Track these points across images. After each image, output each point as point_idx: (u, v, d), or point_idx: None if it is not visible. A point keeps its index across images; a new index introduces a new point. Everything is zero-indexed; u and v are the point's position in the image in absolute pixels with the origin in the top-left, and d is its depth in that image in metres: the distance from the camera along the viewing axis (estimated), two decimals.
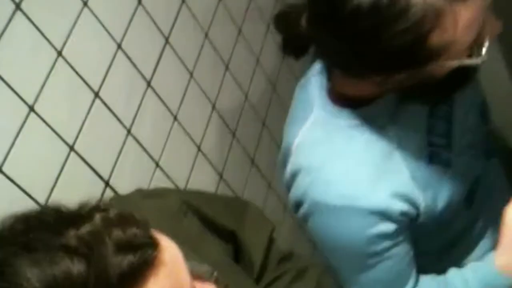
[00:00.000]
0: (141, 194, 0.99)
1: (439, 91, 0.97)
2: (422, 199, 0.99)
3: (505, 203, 1.03)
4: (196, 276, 0.71)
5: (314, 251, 1.80)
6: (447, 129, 1.05)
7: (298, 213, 1.06)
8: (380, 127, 0.99)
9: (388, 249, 1.00)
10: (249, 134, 1.58)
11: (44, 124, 0.98)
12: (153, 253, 0.61)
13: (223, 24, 1.50)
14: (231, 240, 1.00)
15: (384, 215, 0.97)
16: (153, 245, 0.62)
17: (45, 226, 0.61)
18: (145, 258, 0.60)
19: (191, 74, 1.36)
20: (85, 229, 0.60)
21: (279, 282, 1.03)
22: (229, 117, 1.49)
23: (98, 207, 0.64)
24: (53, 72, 1.00)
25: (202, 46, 1.41)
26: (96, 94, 1.08)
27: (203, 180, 1.37)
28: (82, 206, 0.64)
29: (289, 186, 1.07)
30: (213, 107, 1.43)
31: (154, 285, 0.61)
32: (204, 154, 1.38)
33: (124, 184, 1.12)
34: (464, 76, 0.96)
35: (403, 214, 0.98)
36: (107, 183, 1.09)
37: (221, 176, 1.43)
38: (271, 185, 1.64)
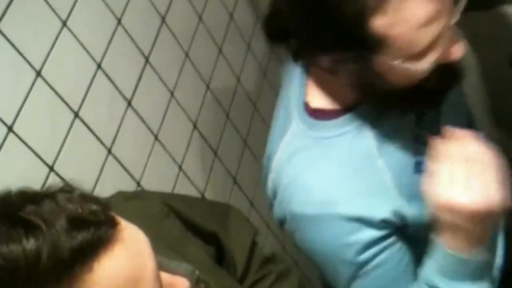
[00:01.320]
0: (123, 196, 0.99)
1: (418, 100, 0.96)
2: (408, 208, 0.98)
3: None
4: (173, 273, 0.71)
5: (297, 269, 1.79)
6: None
7: (283, 229, 1.05)
8: (361, 136, 0.99)
9: (376, 255, 0.99)
10: (231, 153, 1.57)
11: (23, 145, 0.97)
12: (108, 231, 0.61)
13: (204, 43, 1.50)
14: (213, 242, 1.00)
15: (364, 222, 0.96)
16: (110, 223, 0.62)
17: (8, 203, 0.62)
18: (99, 235, 0.60)
19: (172, 93, 1.36)
20: (44, 204, 0.60)
21: (261, 284, 1.03)
22: (211, 136, 1.49)
23: (62, 189, 0.64)
24: (32, 92, 0.99)
25: (183, 65, 1.41)
26: (76, 114, 1.08)
27: None
28: (48, 188, 0.65)
29: (271, 204, 1.07)
30: (195, 126, 1.43)
31: (108, 263, 0.61)
32: (185, 174, 1.38)
33: None
34: (441, 86, 0.96)
35: (385, 221, 0.97)
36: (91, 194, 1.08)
37: (203, 195, 1.43)
38: (254, 203, 1.64)
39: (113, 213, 0.64)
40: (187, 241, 0.95)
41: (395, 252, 1.01)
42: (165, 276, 0.69)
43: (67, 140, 1.05)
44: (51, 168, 1.01)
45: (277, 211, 1.04)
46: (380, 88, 0.93)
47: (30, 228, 0.58)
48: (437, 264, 0.96)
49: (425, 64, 0.88)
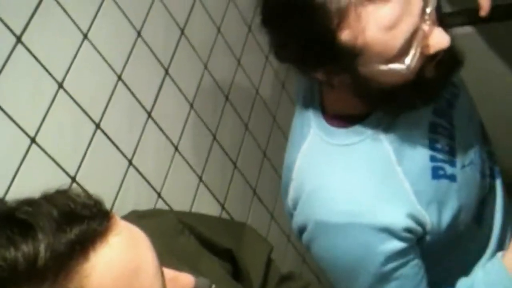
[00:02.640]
0: (137, 215, 1.00)
1: (421, 92, 0.96)
2: (426, 215, 0.98)
3: (506, 221, 1.02)
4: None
5: (319, 283, 1.78)
6: (450, 146, 1.05)
7: (302, 239, 1.05)
8: (378, 143, 0.99)
9: (396, 269, 0.99)
10: (251, 164, 1.57)
11: (45, 156, 0.98)
12: (103, 223, 0.62)
13: (222, 54, 1.51)
14: (229, 259, 1.00)
15: (388, 232, 0.96)
16: (103, 216, 0.63)
17: (2, 206, 0.63)
18: (94, 227, 0.61)
19: (191, 105, 1.37)
20: (39, 204, 0.62)
21: None
22: (230, 147, 1.49)
23: (58, 191, 0.65)
24: (54, 104, 1.00)
25: (202, 76, 1.42)
26: (97, 126, 1.09)
27: (205, 211, 1.36)
28: (44, 191, 0.66)
29: (291, 213, 1.06)
30: (214, 137, 1.43)
31: (105, 253, 0.61)
32: (205, 185, 1.38)
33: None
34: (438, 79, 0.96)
35: (408, 230, 0.97)
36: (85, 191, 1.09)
37: (223, 206, 1.43)
38: (274, 215, 1.63)
39: (105, 207, 0.66)
40: (203, 257, 0.95)
41: (414, 266, 1.01)
42: (168, 271, 0.69)
43: (89, 151, 1.06)
44: (73, 179, 1.02)
45: (298, 219, 1.03)
46: (378, 90, 0.94)
47: (25, 228, 0.59)
48: (490, 278, 0.97)
49: (410, 61, 0.89)
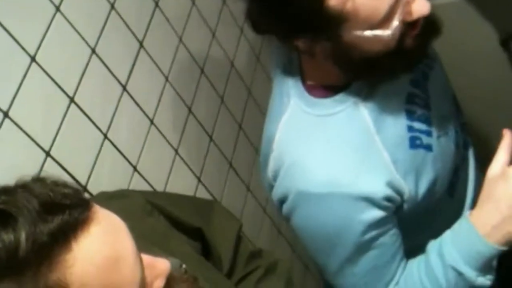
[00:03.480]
0: (105, 196, 1.00)
1: (397, 62, 0.97)
2: (404, 184, 1.00)
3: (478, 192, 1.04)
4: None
5: (293, 254, 1.80)
6: (426, 116, 1.06)
7: (282, 210, 1.05)
8: (357, 112, 1.00)
9: (375, 238, 1.00)
10: (226, 137, 1.58)
11: (19, 130, 0.97)
12: (83, 212, 0.62)
13: (197, 27, 1.50)
14: (199, 238, 1.00)
15: (368, 201, 0.97)
16: (84, 205, 0.63)
17: None
18: (75, 217, 0.61)
19: (166, 78, 1.36)
20: (17, 193, 0.62)
21: (249, 279, 1.03)
22: (206, 120, 1.49)
23: (34, 179, 0.65)
24: (27, 78, 0.99)
25: (177, 49, 1.41)
26: (72, 99, 1.08)
27: (182, 184, 1.36)
28: (19, 180, 0.65)
29: (271, 185, 1.07)
30: (190, 110, 1.43)
31: (86, 242, 0.62)
32: (181, 158, 1.38)
33: (102, 189, 1.11)
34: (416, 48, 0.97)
35: (387, 199, 0.98)
36: (84, 188, 1.09)
37: (199, 179, 1.43)
38: (250, 187, 1.64)
39: (85, 196, 0.66)
40: (172, 236, 0.95)
41: (392, 235, 1.02)
42: (146, 257, 0.69)
43: (63, 125, 1.05)
44: (47, 153, 1.01)
45: (279, 190, 1.04)
46: (358, 59, 0.95)
47: (5, 217, 0.59)
48: (458, 240, 0.98)
49: (392, 29, 0.91)
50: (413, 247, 1.07)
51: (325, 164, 0.98)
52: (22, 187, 0.63)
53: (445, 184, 1.08)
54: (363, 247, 1.01)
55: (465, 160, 1.18)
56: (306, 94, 1.03)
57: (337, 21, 0.90)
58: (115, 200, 0.97)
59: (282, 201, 1.04)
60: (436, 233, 1.13)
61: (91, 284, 0.62)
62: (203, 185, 1.44)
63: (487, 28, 1.67)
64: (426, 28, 0.95)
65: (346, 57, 0.95)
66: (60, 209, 0.61)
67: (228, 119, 1.60)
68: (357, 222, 0.98)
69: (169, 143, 1.34)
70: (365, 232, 0.99)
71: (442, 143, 1.08)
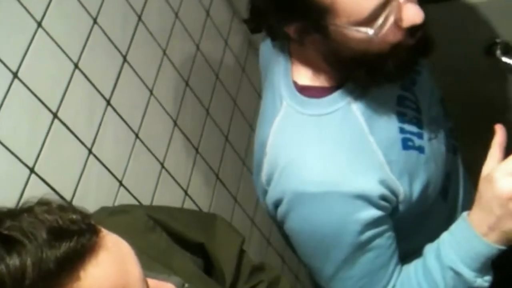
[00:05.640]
0: (106, 212, 0.99)
1: (385, 68, 0.98)
2: (399, 184, 1.00)
3: (469, 199, 1.04)
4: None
5: (283, 264, 1.80)
6: (416, 118, 1.07)
7: (277, 213, 1.04)
8: (350, 113, 1.01)
9: (372, 239, 1.00)
10: (213, 149, 1.57)
11: (2, 147, 0.96)
12: (91, 239, 0.61)
13: (181, 40, 1.50)
14: (201, 253, 1.00)
15: (365, 199, 0.97)
16: (92, 231, 0.62)
17: None
18: (83, 243, 0.60)
19: (151, 91, 1.36)
20: (23, 219, 0.60)
21: None
22: (192, 133, 1.49)
23: (39, 202, 0.64)
24: (9, 94, 0.98)
25: (161, 62, 1.41)
26: (55, 115, 1.07)
27: (168, 197, 1.36)
28: (24, 203, 0.64)
29: (265, 190, 1.06)
30: (175, 123, 1.43)
31: (94, 270, 0.60)
32: (168, 171, 1.37)
33: (88, 205, 1.10)
34: (411, 52, 0.98)
35: (383, 198, 0.98)
36: (70, 204, 1.08)
37: (186, 192, 1.43)
38: (237, 199, 1.64)
39: (93, 221, 0.64)
40: (175, 253, 0.94)
41: (388, 238, 1.02)
42: (151, 282, 0.69)
43: (47, 141, 1.04)
44: (31, 170, 1.00)
45: (273, 193, 1.03)
46: (347, 57, 0.96)
47: (11, 244, 0.58)
48: (456, 241, 0.98)
49: (379, 28, 0.91)
50: (407, 252, 1.07)
51: (321, 163, 0.98)
52: (28, 211, 0.62)
53: (438, 187, 1.09)
54: (359, 248, 1.00)
55: (455, 164, 1.18)
56: (298, 94, 1.03)
57: (322, 10, 0.90)
58: (117, 216, 0.96)
59: (277, 204, 1.03)
60: (430, 238, 1.13)
61: None
62: (190, 198, 1.44)
63: (473, 33, 1.68)
64: (422, 43, 0.96)
65: (334, 53, 0.96)
66: (68, 235, 0.59)
67: (214, 131, 1.59)
68: (353, 222, 0.97)
69: (155, 156, 1.34)
70: (361, 232, 0.98)
71: (434, 146, 1.08)
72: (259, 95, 1.81)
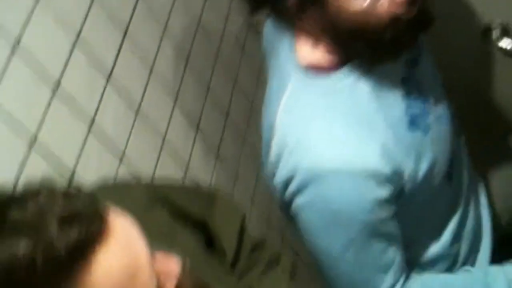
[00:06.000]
0: (108, 188, 0.98)
1: (391, 44, 0.97)
2: (406, 162, 0.99)
3: (472, 183, 1.04)
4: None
5: (282, 242, 1.80)
6: (421, 98, 1.07)
7: (286, 193, 1.03)
8: (357, 92, 1.00)
9: (381, 221, 0.99)
10: (213, 127, 1.57)
11: (3, 118, 0.95)
12: (100, 225, 0.60)
13: (182, 15, 1.49)
14: (202, 230, 0.99)
15: (375, 178, 0.96)
16: (101, 217, 0.61)
17: None
18: (92, 231, 0.59)
19: (152, 67, 1.35)
20: (29, 207, 0.59)
21: (253, 270, 1.02)
22: (192, 109, 1.48)
23: (44, 187, 0.63)
24: (10, 64, 0.97)
25: (162, 38, 1.40)
26: (56, 88, 1.06)
27: (169, 173, 1.35)
28: (27, 187, 0.63)
29: (274, 169, 1.05)
30: (176, 99, 1.42)
31: (105, 257, 0.60)
32: (168, 148, 1.36)
33: (88, 179, 1.10)
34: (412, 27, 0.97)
35: (392, 176, 0.98)
36: (70, 177, 1.07)
37: (186, 169, 1.42)
38: (237, 176, 1.63)
39: (101, 204, 0.63)
40: (176, 230, 0.94)
41: (395, 227, 1.02)
42: (158, 261, 0.68)
43: (48, 114, 1.03)
44: (32, 143, 0.99)
45: (283, 172, 1.02)
46: (345, 31, 0.95)
47: (20, 235, 0.57)
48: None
49: (373, 2, 0.91)
50: (412, 239, 1.07)
51: (331, 141, 0.98)
52: (33, 199, 0.60)
53: (443, 168, 1.08)
54: (369, 231, 1.00)
55: (458, 147, 1.18)
56: (305, 73, 1.02)
57: None
58: (118, 193, 0.95)
59: (287, 183, 1.02)
60: (435, 225, 1.12)
61: None
62: (190, 174, 1.43)
63: (470, 17, 1.68)
64: (420, 16, 0.95)
65: (332, 26, 0.96)
66: (77, 224, 0.58)
67: (214, 108, 1.58)
68: (364, 200, 0.97)
69: (155, 133, 1.33)
70: (372, 211, 0.98)
71: (439, 126, 1.08)
72: (259, 73, 1.80)
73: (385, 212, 0.99)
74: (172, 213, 0.96)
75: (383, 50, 0.98)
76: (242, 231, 1.05)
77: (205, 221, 1.00)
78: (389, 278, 1.04)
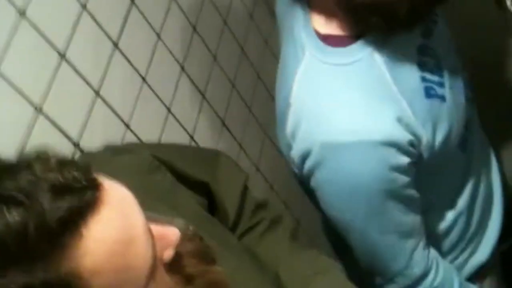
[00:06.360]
0: (111, 151, 0.98)
1: (407, 17, 0.97)
2: (423, 133, 1.00)
3: (484, 150, 1.03)
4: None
5: (286, 210, 1.81)
6: (437, 67, 1.06)
7: (304, 167, 1.03)
8: (373, 63, 1.00)
9: (404, 186, 1.00)
10: (219, 95, 1.57)
11: (9, 87, 0.96)
12: (93, 195, 0.60)
13: None
14: (205, 191, 1.00)
15: (396, 146, 0.97)
16: (94, 187, 0.61)
17: None
18: (85, 201, 0.59)
19: (159, 35, 1.35)
20: (22, 177, 0.59)
21: (254, 231, 1.03)
22: (199, 78, 1.48)
23: (38, 157, 0.62)
24: (17, 33, 0.97)
25: (169, 6, 1.39)
26: (62, 56, 1.07)
27: (174, 141, 1.36)
28: (22, 157, 0.63)
29: (290, 144, 1.05)
30: (182, 68, 1.42)
31: (97, 227, 0.60)
32: (174, 116, 1.37)
33: (95, 147, 1.11)
34: None
35: (411, 144, 0.98)
36: (76, 146, 1.08)
37: (192, 137, 1.43)
38: (242, 145, 1.65)
39: (94, 174, 0.63)
40: (178, 192, 0.94)
41: (415, 193, 1.03)
42: (155, 229, 0.68)
43: (54, 82, 1.04)
44: (39, 110, 1.01)
45: (300, 146, 1.02)
46: (359, 4, 0.95)
47: (11, 204, 0.57)
48: None
49: None
50: (427, 209, 1.08)
51: (349, 112, 0.97)
52: (27, 168, 0.60)
53: (459, 136, 1.08)
54: (391, 197, 1.00)
55: (472, 115, 1.18)
56: (321, 43, 1.01)
57: None
58: (122, 155, 0.95)
59: (305, 156, 1.01)
60: (446, 191, 1.13)
61: (103, 269, 0.60)
62: (196, 143, 1.45)
63: None
64: None
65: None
66: (69, 193, 0.58)
67: (221, 77, 1.59)
68: (386, 168, 0.97)
69: (161, 101, 1.34)
70: (393, 179, 0.98)
71: (454, 94, 1.08)
72: (266, 43, 1.79)
73: (406, 178, 1.00)
74: (175, 175, 0.96)
75: (399, 23, 0.98)
76: (244, 192, 1.05)
77: (208, 184, 1.00)
78: (412, 242, 1.05)
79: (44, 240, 0.57)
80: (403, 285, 1.08)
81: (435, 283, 1.08)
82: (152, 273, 0.65)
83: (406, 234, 1.05)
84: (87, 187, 0.60)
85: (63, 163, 0.62)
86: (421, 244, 1.07)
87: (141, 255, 0.64)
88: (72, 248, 0.58)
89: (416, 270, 1.06)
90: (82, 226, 0.59)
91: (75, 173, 0.61)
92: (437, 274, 1.08)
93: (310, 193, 1.10)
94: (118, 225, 0.62)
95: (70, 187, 0.59)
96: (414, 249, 1.06)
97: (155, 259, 0.66)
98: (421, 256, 1.07)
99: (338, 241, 1.14)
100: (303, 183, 1.09)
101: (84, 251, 0.59)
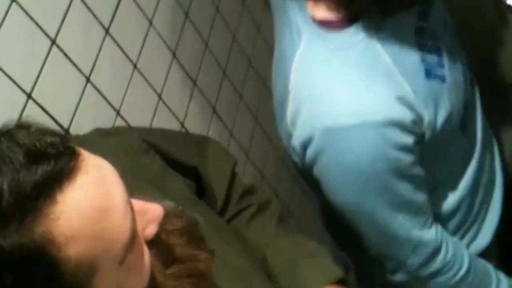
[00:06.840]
0: (100, 133, 0.98)
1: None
2: (425, 113, 1.00)
3: (486, 134, 1.02)
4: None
5: (276, 198, 1.82)
6: (436, 48, 1.06)
7: (306, 154, 1.02)
8: (372, 45, 0.99)
9: (410, 165, 1.00)
10: (210, 82, 1.57)
11: (0, 73, 0.96)
12: (70, 162, 0.60)
13: None
14: (193, 176, 1.00)
15: (399, 126, 0.96)
16: (71, 154, 0.61)
17: None
18: (61, 167, 0.59)
19: (150, 22, 1.34)
20: (0, 144, 0.59)
21: (242, 215, 1.03)
22: (190, 65, 1.48)
23: (19, 125, 0.63)
24: (7, 18, 0.97)
25: None
26: (53, 41, 1.06)
27: (165, 128, 1.36)
28: (3, 126, 0.63)
29: (290, 132, 1.04)
30: (173, 55, 1.42)
31: (72, 193, 0.60)
32: (165, 103, 1.37)
33: (84, 132, 1.11)
34: None
35: (414, 122, 0.98)
36: (67, 132, 1.08)
37: (182, 124, 1.43)
38: (233, 133, 1.65)
39: (73, 144, 0.63)
40: (167, 175, 0.94)
41: (421, 171, 1.03)
42: (137, 203, 0.68)
43: (44, 68, 1.04)
44: (29, 96, 1.00)
45: (300, 133, 1.01)
46: None
47: None
48: None
49: None
50: (430, 191, 1.08)
51: (349, 94, 0.96)
52: (6, 134, 0.61)
53: (459, 117, 1.09)
54: (397, 177, 1.00)
55: (473, 97, 1.18)
56: (317, 29, 1.01)
57: None
58: (111, 138, 0.95)
59: (306, 144, 1.00)
60: (449, 173, 1.14)
61: (79, 236, 0.60)
62: (186, 130, 1.45)
63: None
64: None
65: None
66: (45, 159, 0.58)
67: (212, 64, 1.59)
68: (391, 147, 0.96)
69: (152, 87, 1.34)
70: (399, 159, 0.98)
71: (454, 75, 1.08)
72: (258, 30, 1.79)
73: (411, 157, 1.00)
74: (164, 159, 0.96)
75: (392, 4, 0.98)
76: (232, 177, 1.05)
77: (196, 168, 1.00)
78: (422, 219, 1.05)
79: (18, 205, 0.57)
80: (417, 264, 1.08)
81: (447, 258, 1.09)
82: (130, 246, 0.64)
83: (416, 211, 1.05)
84: (63, 153, 0.60)
85: (42, 131, 0.62)
86: (430, 220, 1.07)
87: (118, 224, 0.63)
88: (47, 213, 0.58)
89: (428, 247, 1.07)
90: (57, 191, 0.59)
91: (52, 139, 0.61)
92: (448, 249, 1.09)
93: (313, 184, 1.09)
94: (95, 192, 0.62)
95: (46, 153, 0.59)
96: (424, 226, 1.06)
97: (135, 232, 0.65)
98: (432, 232, 1.07)
99: (340, 233, 1.14)
100: (306, 174, 1.08)
101: (58, 216, 0.59)
